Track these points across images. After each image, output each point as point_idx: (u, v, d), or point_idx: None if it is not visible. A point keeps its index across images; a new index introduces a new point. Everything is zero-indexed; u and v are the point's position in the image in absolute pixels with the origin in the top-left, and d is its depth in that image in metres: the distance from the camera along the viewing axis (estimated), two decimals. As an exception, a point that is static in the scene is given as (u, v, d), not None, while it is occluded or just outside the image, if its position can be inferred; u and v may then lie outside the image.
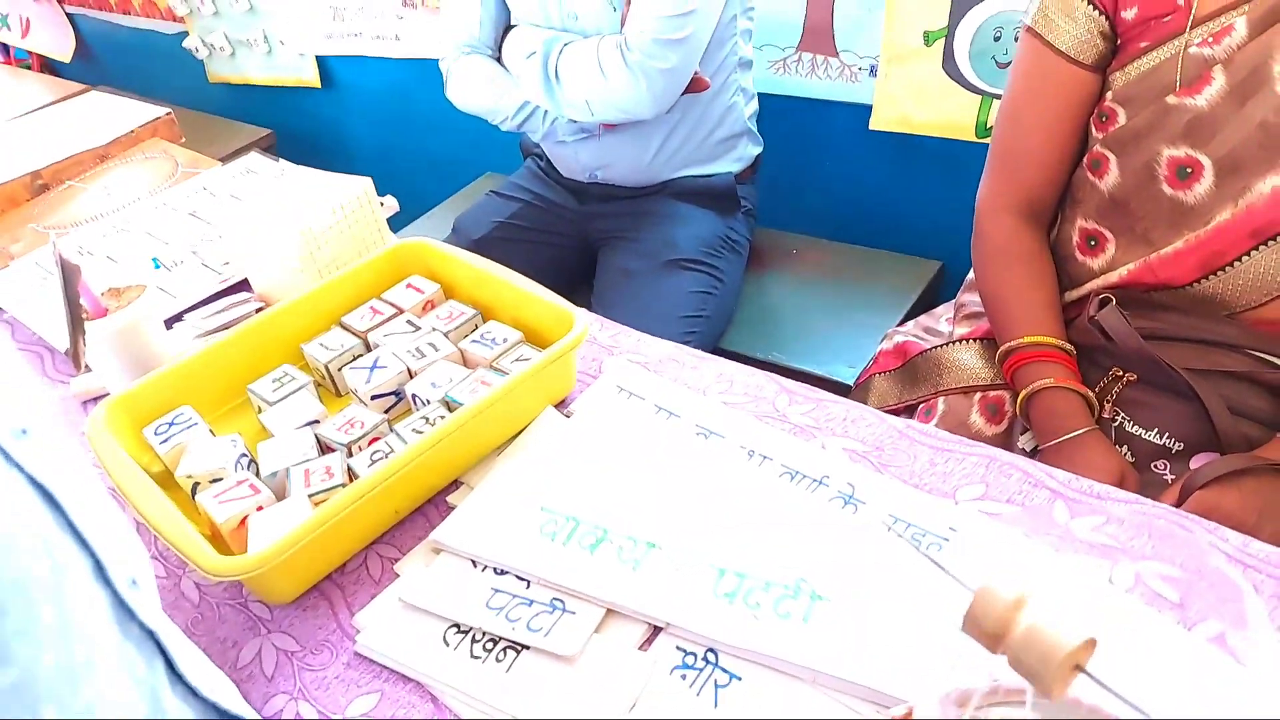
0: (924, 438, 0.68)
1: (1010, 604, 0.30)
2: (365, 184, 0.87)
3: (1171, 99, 0.83)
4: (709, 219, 1.27)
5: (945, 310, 1.11)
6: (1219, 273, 0.85)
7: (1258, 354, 0.85)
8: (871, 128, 1.38)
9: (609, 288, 1.23)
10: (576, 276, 1.33)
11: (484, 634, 0.58)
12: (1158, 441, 0.86)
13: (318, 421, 0.73)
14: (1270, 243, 0.82)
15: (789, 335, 1.27)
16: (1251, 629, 0.49)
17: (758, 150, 1.34)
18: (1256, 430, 0.84)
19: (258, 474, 0.69)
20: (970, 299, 1.05)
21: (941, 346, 1.01)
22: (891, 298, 1.30)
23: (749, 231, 1.33)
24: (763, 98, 1.37)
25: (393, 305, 0.83)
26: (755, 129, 1.34)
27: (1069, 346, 0.91)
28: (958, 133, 1.34)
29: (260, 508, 0.65)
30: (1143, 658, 0.45)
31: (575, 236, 1.32)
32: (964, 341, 1.00)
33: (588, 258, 1.32)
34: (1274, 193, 0.80)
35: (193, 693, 0.43)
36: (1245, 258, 0.83)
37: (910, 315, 1.27)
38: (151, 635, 0.41)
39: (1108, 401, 0.91)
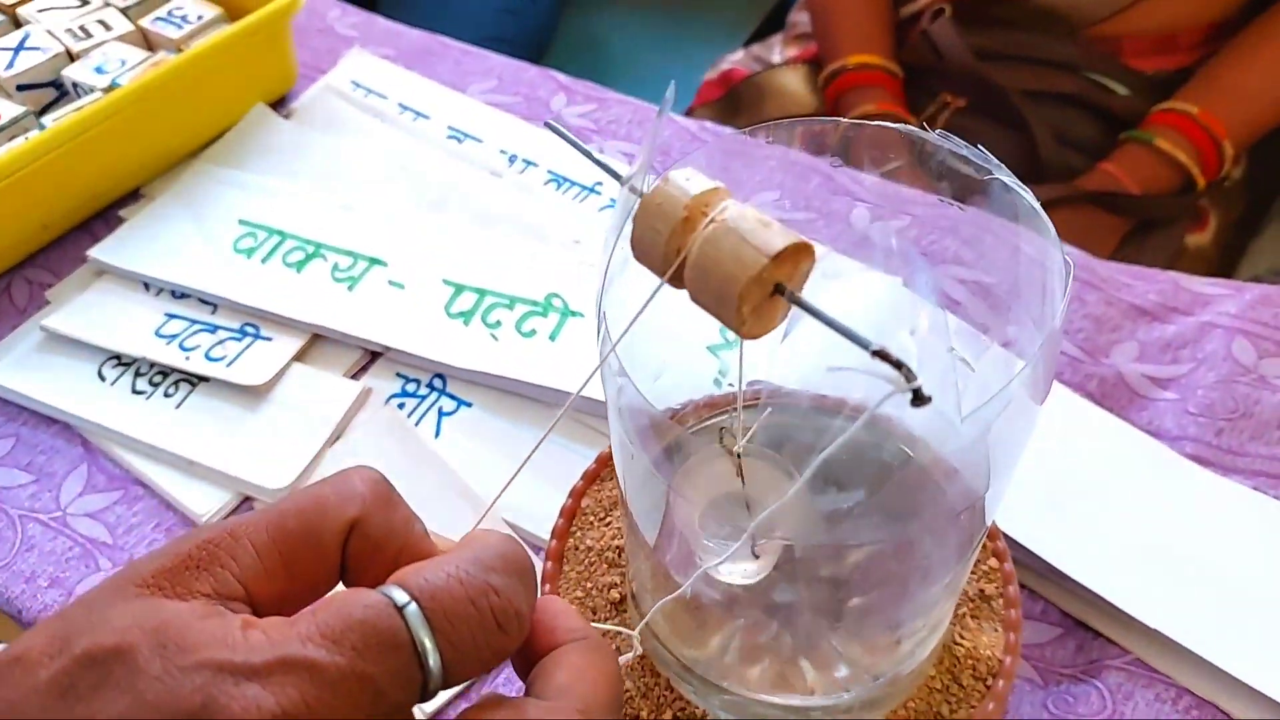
0: (719, 140, 0.58)
1: (704, 193, 0.20)
2: None
3: None
4: (515, -78, 1.07)
5: (779, 38, 0.99)
6: (1063, -20, 0.76)
7: (1092, 76, 0.78)
8: None
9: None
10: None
11: (150, 365, 0.46)
12: (981, 173, 0.80)
13: (-60, 115, 0.55)
14: (1120, -58, 0.73)
15: (612, 70, 1.13)
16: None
17: None
18: (1080, 160, 0.78)
19: None
20: (801, 18, 0.93)
21: (765, 71, 0.90)
22: (726, 30, 1.17)
23: (566, -55, 1.14)
24: None
25: (56, -27, 0.62)
26: None
27: (896, 69, 0.82)
28: None
29: None
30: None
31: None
32: (790, 65, 0.89)
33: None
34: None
35: None
36: (1092, -39, 0.74)
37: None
38: None
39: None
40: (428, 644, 0.18)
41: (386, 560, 0.21)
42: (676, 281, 0.20)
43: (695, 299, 0.20)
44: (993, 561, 0.33)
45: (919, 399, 0.17)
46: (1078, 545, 0.37)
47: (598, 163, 0.23)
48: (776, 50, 0.96)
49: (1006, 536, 0.36)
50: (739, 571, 0.25)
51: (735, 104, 0.91)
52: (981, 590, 0.32)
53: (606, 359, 0.23)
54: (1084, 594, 0.36)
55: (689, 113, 0.94)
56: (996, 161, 0.25)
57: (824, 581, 0.30)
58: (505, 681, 0.37)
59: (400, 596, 0.19)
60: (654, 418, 0.24)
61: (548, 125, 0.23)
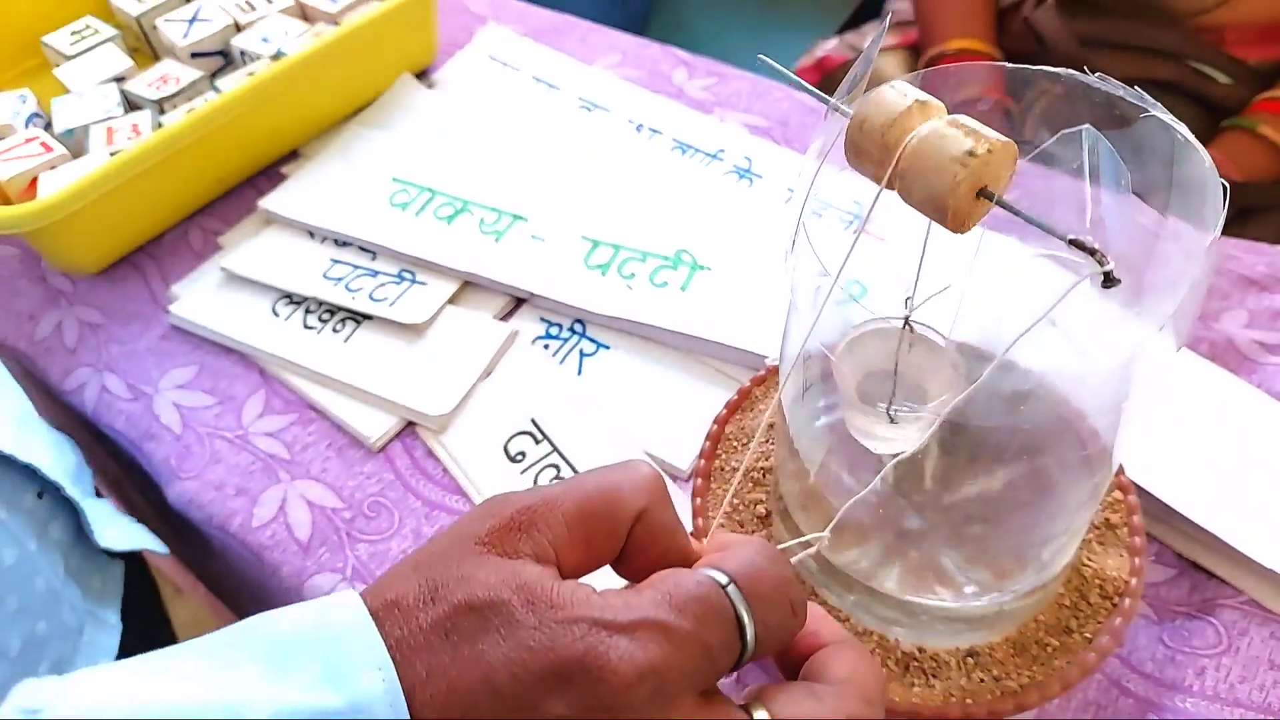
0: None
1: (915, 105, 0.23)
2: None
3: None
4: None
5: (873, 27, 1.01)
6: (1169, -32, 0.77)
7: (1194, 64, 0.79)
8: None
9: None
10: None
11: (319, 304, 0.51)
12: (1078, 157, 0.81)
13: (124, 78, 0.61)
14: (1230, -69, 0.73)
15: (705, 53, 1.16)
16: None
17: None
18: (1180, 147, 0.79)
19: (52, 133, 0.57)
20: (901, 6, 0.95)
21: (863, 57, 0.92)
22: (812, 19, 1.19)
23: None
24: None
25: (220, -48, 0.68)
26: None
27: (997, 55, 0.84)
28: None
29: (54, 167, 0.54)
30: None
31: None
32: (888, 51, 0.91)
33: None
34: None
35: None
36: (1200, -51, 0.75)
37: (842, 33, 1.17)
38: None
39: (1032, 116, 0.85)
40: (747, 619, 0.20)
41: (656, 552, 0.23)
42: (889, 184, 0.23)
43: (907, 199, 0.23)
44: (1117, 493, 0.35)
45: (1110, 280, 0.20)
46: (1193, 489, 0.39)
47: (807, 89, 0.26)
48: (870, 39, 0.98)
49: (1123, 479, 0.38)
50: (889, 442, 0.28)
51: (831, 90, 0.93)
52: (1107, 519, 0.35)
53: (802, 268, 0.26)
54: (1199, 535, 0.38)
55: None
56: (1152, 100, 0.27)
57: (949, 509, 0.33)
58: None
59: (721, 577, 0.21)
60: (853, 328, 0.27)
61: (761, 59, 0.27)
